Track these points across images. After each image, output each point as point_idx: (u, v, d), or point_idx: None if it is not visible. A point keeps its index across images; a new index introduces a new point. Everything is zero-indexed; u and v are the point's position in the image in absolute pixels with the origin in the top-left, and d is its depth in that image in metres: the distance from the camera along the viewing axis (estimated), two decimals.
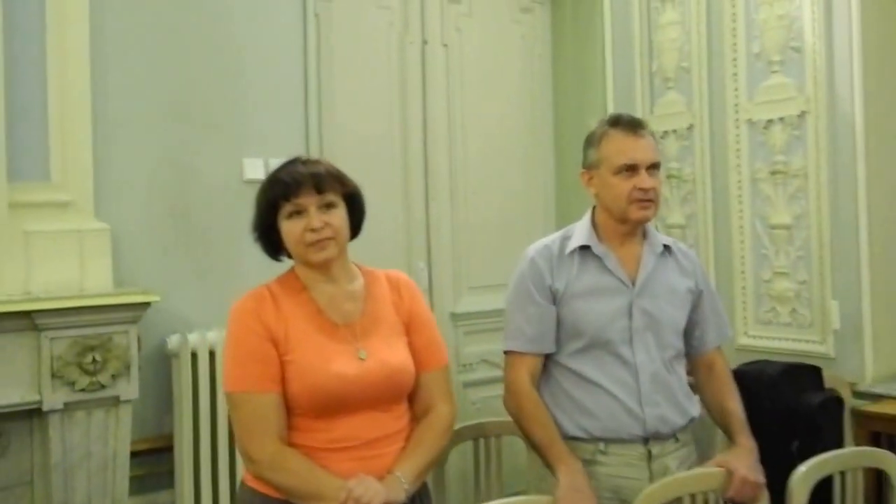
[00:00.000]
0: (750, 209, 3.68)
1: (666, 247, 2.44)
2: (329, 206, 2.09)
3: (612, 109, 4.10)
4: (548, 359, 2.39)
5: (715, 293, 2.58)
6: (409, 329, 2.21)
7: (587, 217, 2.44)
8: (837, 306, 3.34)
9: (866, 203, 3.28)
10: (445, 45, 4.20)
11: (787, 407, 2.82)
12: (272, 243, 2.15)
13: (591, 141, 2.40)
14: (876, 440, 2.96)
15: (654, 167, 2.33)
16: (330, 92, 3.86)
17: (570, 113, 4.43)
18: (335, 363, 2.04)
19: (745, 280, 3.70)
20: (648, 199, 2.31)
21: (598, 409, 2.29)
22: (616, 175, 2.31)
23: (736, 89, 3.71)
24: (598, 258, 2.36)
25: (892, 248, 3.35)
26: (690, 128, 3.92)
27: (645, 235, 2.43)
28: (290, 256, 2.17)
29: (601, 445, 2.29)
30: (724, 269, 3.76)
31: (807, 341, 3.47)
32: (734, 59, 3.71)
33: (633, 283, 2.35)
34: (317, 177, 2.08)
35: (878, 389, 3.18)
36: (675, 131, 3.99)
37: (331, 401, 2.02)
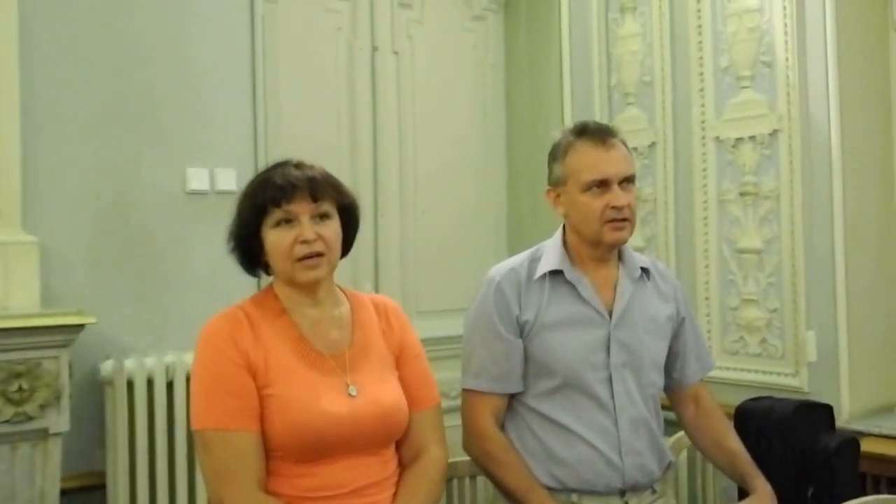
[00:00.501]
0: (716, 232, 3.48)
1: (643, 270, 2.22)
2: (323, 216, 1.86)
3: (568, 122, 3.87)
4: (513, 398, 2.15)
5: (695, 319, 2.38)
6: (400, 362, 1.98)
7: (558, 236, 2.20)
8: (814, 337, 3.14)
9: (842, 227, 3.09)
10: (396, 53, 3.98)
11: (802, 450, 2.60)
12: (250, 255, 1.90)
13: (556, 154, 2.15)
14: (862, 482, 2.76)
15: (627, 181, 2.10)
16: (276, 99, 3.63)
17: (524, 126, 4.20)
18: (324, 400, 1.81)
19: (709, 307, 3.50)
20: (623, 219, 2.07)
21: (573, 458, 2.07)
22: (585, 193, 2.08)
23: (702, 105, 3.51)
24: (570, 284, 2.12)
25: (869, 276, 3.17)
26: (652, 145, 3.72)
27: (620, 257, 2.20)
28: (266, 272, 1.94)
29: (574, 497, 2.07)
30: (687, 296, 3.51)
31: (778, 374, 3.26)
32: (700, 74, 3.51)
33: (610, 314, 2.12)
34: (313, 182, 1.84)
35: (857, 426, 2.99)
36: (635, 149, 3.74)
37: (318, 443, 1.77)
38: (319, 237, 1.83)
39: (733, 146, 3.42)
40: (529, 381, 2.13)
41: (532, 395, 2.13)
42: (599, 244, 2.11)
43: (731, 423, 2.27)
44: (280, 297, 1.91)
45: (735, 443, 2.22)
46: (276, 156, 3.41)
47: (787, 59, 3.22)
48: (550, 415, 2.10)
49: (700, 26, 3.52)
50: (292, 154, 1.95)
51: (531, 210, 4.11)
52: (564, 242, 2.18)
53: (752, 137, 3.34)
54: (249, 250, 1.89)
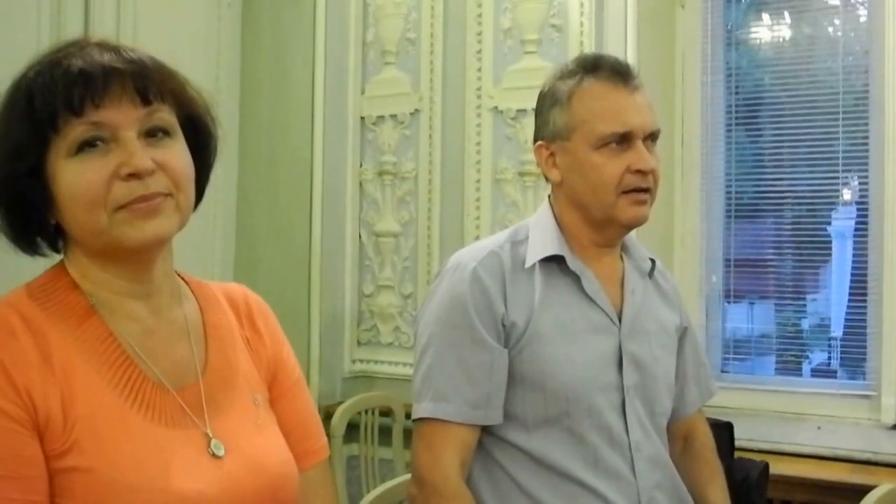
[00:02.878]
0: (490, 215, 3.06)
1: (652, 262, 1.71)
2: (160, 132, 1.12)
3: (321, 87, 3.27)
4: (484, 434, 1.55)
5: (695, 330, 1.87)
6: (274, 391, 1.26)
7: (546, 213, 1.64)
8: None
9: None
10: None
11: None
12: (22, 215, 1.12)
13: (556, 96, 1.60)
14: None
15: (653, 138, 1.58)
16: None
17: (264, 88, 3.43)
18: (174, 471, 1.07)
19: None
20: (646, 189, 1.56)
21: None
22: (599, 150, 1.55)
23: (479, 70, 3.08)
24: (572, 276, 1.58)
25: None
26: (415, 113, 3.23)
27: (623, 246, 1.68)
28: (54, 247, 1.17)
29: None
30: None
31: None
32: (478, 34, 3.08)
33: (619, 318, 1.59)
34: (139, 70, 1.10)
35: None
36: (393, 117, 3.28)
37: None
38: (159, 167, 1.09)
39: (513, 118, 3.03)
40: (514, 408, 1.55)
41: (517, 427, 1.54)
42: (610, 224, 1.59)
43: (720, 468, 1.81)
44: (82, 284, 1.14)
45: (717, 493, 1.75)
46: None
47: (581, 23, 2.89)
48: (544, 456, 1.52)
49: None
50: None
51: (263, 196, 3.39)
52: (557, 221, 1.63)
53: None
54: (21, 205, 1.11)
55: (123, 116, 1.08)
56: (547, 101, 1.63)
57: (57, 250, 1.17)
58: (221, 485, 1.10)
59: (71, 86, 1.06)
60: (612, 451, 1.55)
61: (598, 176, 1.55)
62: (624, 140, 1.55)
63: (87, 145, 1.07)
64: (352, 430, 2.97)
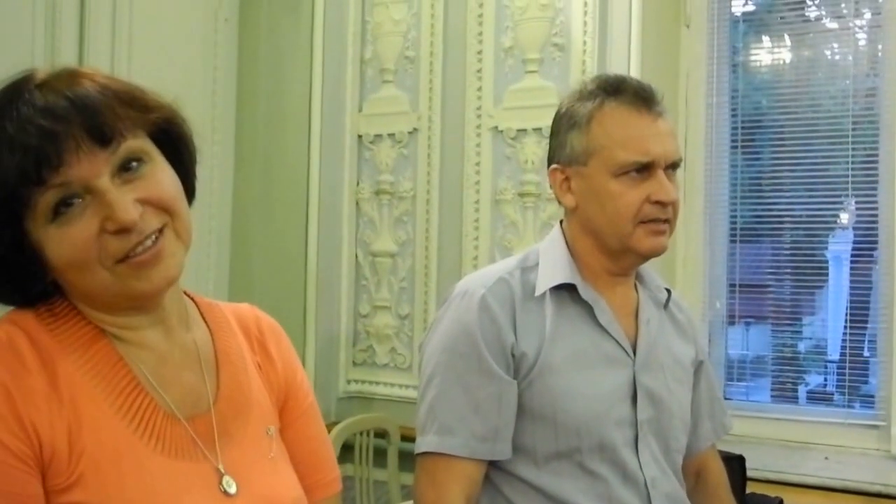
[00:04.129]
0: (489, 236, 3.01)
1: (668, 293, 1.66)
2: (133, 161, 1.04)
3: (318, 104, 3.21)
4: (492, 467, 1.49)
5: (710, 364, 1.81)
6: (285, 419, 1.21)
7: (558, 239, 1.58)
8: None
9: None
10: None
11: None
12: (14, 281, 1.06)
13: (574, 118, 1.54)
14: None
15: (674, 167, 1.53)
16: None
17: (260, 104, 3.35)
18: None
19: None
20: (665, 220, 1.51)
21: None
22: (619, 178, 1.50)
23: (479, 90, 3.03)
24: (584, 306, 1.53)
25: None
26: (413, 132, 3.17)
27: (638, 275, 1.63)
28: (48, 292, 1.09)
29: None
30: None
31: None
32: (479, 53, 3.03)
33: (634, 350, 1.54)
34: (87, 109, 1.01)
35: None
36: (391, 136, 3.21)
37: None
38: (147, 205, 1.03)
39: (513, 138, 2.99)
40: (523, 441, 1.49)
41: (525, 462, 1.48)
42: (626, 253, 1.54)
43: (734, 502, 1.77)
44: (88, 315, 1.08)
45: None
46: None
47: (584, 42, 2.85)
48: (556, 493, 1.46)
49: None
50: None
51: (258, 216, 3.32)
52: (569, 247, 1.58)
53: (538, 130, 2.92)
54: (9, 274, 1.05)
55: (88, 167, 1.01)
56: (564, 123, 1.57)
57: (47, 297, 1.10)
58: None
59: (21, 160, 0.98)
60: (627, 488, 1.49)
61: (616, 205, 1.50)
62: (645, 169, 1.50)
63: (62, 206, 1.01)
64: (346, 451, 2.92)
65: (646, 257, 1.57)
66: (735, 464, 2.17)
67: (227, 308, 1.26)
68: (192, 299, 1.21)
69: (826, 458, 2.75)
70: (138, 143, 1.05)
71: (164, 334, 1.12)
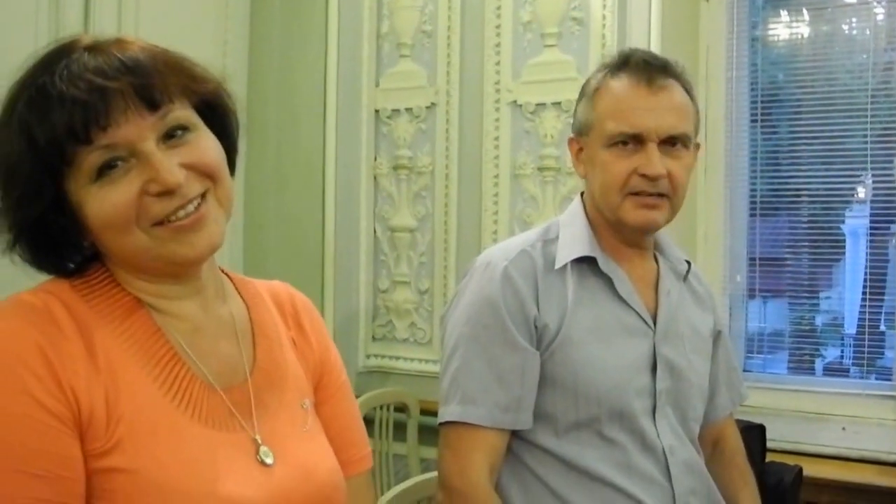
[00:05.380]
0: (508, 211, 3.01)
1: (688, 265, 1.68)
2: (180, 131, 1.04)
3: (333, 79, 3.21)
4: (514, 437, 1.51)
5: (728, 335, 1.84)
6: (319, 396, 1.21)
7: (578, 211, 1.60)
8: None
9: None
10: None
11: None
12: (53, 244, 1.05)
13: (585, 90, 1.58)
14: None
15: (675, 142, 1.52)
16: None
17: (272, 79, 3.35)
18: (223, 477, 1.01)
19: None
20: (656, 194, 1.51)
21: None
22: (609, 148, 1.51)
23: (498, 64, 3.02)
24: (604, 278, 1.54)
25: None
26: (431, 107, 3.17)
27: (658, 246, 1.64)
28: (77, 259, 1.09)
29: None
30: None
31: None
32: (497, 27, 3.02)
33: (654, 321, 1.55)
34: (138, 70, 1.01)
35: None
36: (409, 110, 3.21)
37: None
38: (191, 170, 1.03)
39: (532, 112, 2.98)
40: (545, 412, 1.51)
41: (547, 431, 1.50)
42: (619, 225, 1.55)
43: (751, 473, 1.77)
44: (125, 285, 1.08)
45: (749, 499, 1.72)
46: None
47: (603, 16, 2.84)
48: (577, 461, 1.49)
49: None
50: None
51: (278, 192, 3.33)
52: (589, 219, 1.59)
53: (557, 104, 2.92)
54: (48, 237, 1.05)
55: (135, 129, 1.00)
56: (580, 95, 1.61)
57: (81, 261, 1.10)
58: (271, 494, 1.05)
59: (70, 116, 0.98)
60: (645, 455, 1.52)
61: (604, 175, 1.53)
62: (635, 141, 1.51)
63: (106, 168, 1.00)
64: (366, 425, 2.93)
65: (639, 230, 1.57)
66: (755, 433, 2.19)
67: (261, 285, 1.26)
68: (226, 275, 1.21)
69: (843, 428, 2.77)
70: (185, 112, 1.05)
71: (200, 305, 1.12)
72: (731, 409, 1.80)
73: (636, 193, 1.51)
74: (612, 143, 1.51)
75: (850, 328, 3.08)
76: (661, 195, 1.52)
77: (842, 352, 3.14)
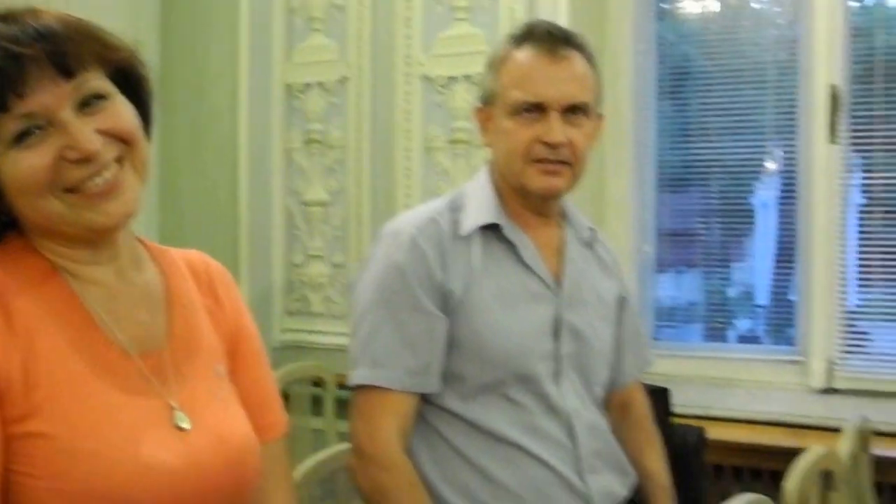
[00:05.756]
0: (421, 184, 3.03)
1: (592, 232, 1.72)
2: (96, 99, 1.06)
3: (245, 53, 3.19)
4: (423, 401, 1.55)
5: (633, 301, 1.87)
6: (234, 363, 1.23)
7: (484, 179, 1.64)
8: None
9: None
10: None
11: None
12: None
13: (491, 61, 1.63)
14: None
15: (577, 111, 1.57)
16: None
17: (184, 52, 3.33)
18: (139, 441, 1.04)
19: None
20: (558, 161, 1.55)
21: (520, 482, 1.52)
22: (513, 117, 1.55)
23: (408, 37, 3.03)
24: (509, 245, 1.59)
25: None
26: (343, 81, 3.16)
27: (563, 214, 1.68)
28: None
29: None
30: None
31: None
32: (408, 1, 3.02)
33: (558, 287, 1.61)
34: (50, 45, 1.02)
35: None
36: (320, 84, 3.20)
37: None
38: (106, 135, 1.05)
39: (442, 86, 2.99)
40: (453, 375, 1.55)
41: (454, 395, 1.54)
42: (523, 192, 1.59)
43: (657, 435, 1.84)
44: (41, 251, 1.10)
45: (654, 461, 1.78)
46: None
47: None
48: (483, 423, 1.54)
49: None
50: None
51: (193, 166, 3.31)
52: (496, 188, 1.63)
53: (468, 77, 2.93)
54: None
55: (52, 98, 1.02)
56: (486, 65, 1.64)
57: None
58: (187, 458, 1.07)
59: None
60: (550, 418, 1.56)
61: (508, 143, 1.57)
62: (537, 110, 1.55)
63: (24, 134, 1.02)
64: (283, 400, 2.92)
65: (541, 197, 1.60)
66: (659, 395, 2.23)
67: (177, 253, 1.27)
68: (143, 244, 1.22)
69: (750, 392, 2.86)
70: (100, 81, 1.07)
71: (116, 273, 1.13)
72: (637, 374, 1.85)
73: (539, 161, 1.55)
74: (516, 112, 1.55)
75: (762, 299, 3.16)
76: (562, 162, 1.56)
77: (753, 322, 3.22)
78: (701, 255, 3.23)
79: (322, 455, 1.87)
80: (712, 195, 3.19)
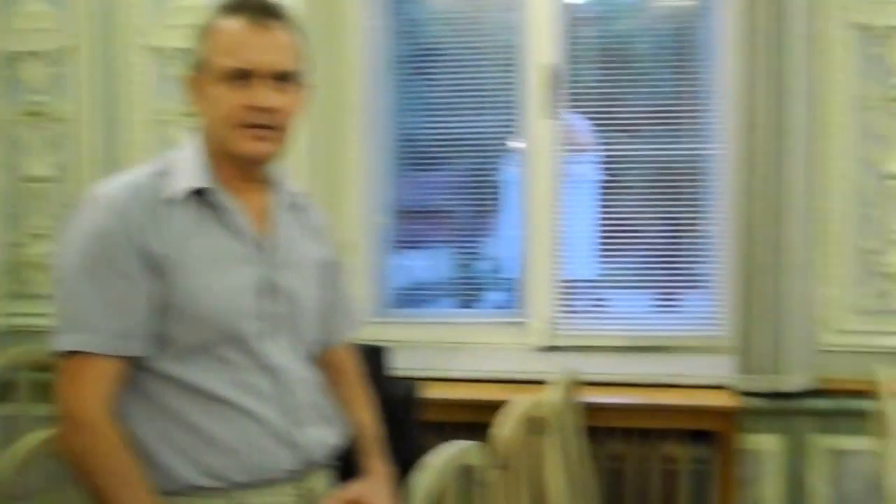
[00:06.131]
0: (152, 157, 2.90)
1: (297, 197, 1.77)
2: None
3: None
4: (136, 366, 1.57)
5: (342, 266, 1.95)
6: None
7: (194, 146, 1.66)
8: None
9: None
10: None
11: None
12: None
13: (202, 30, 1.65)
14: None
15: (285, 78, 1.61)
16: None
17: None
18: None
19: None
20: (265, 126, 1.59)
21: (233, 437, 1.60)
22: (221, 83, 1.58)
23: (134, 6, 2.97)
24: (217, 209, 1.62)
25: None
26: (66, 51, 3.04)
27: (273, 180, 1.73)
28: None
29: (236, 497, 1.61)
30: None
31: None
32: None
33: (266, 250, 1.66)
34: None
35: None
36: (42, 53, 3.06)
37: None
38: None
39: (172, 57, 2.94)
40: (164, 337, 1.57)
41: (166, 357, 1.57)
42: (233, 157, 1.62)
43: (368, 391, 1.93)
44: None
45: (364, 414, 1.88)
46: None
47: None
48: (195, 382, 1.57)
49: None
50: None
51: None
52: (206, 153, 1.65)
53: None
54: None
55: None
56: (196, 34, 1.67)
57: None
58: None
59: None
60: (261, 374, 1.63)
61: (216, 109, 1.60)
62: (245, 77, 1.59)
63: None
64: (9, 389, 2.80)
65: (250, 161, 1.65)
66: (373, 354, 2.34)
67: None
68: None
69: (474, 353, 3.02)
70: None
71: None
72: (346, 335, 1.94)
73: (247, 126, 1.59)
74: (225, 79, 1.59)
75: (511, 272, 3.28)
76: (269, 128, 1.61)
77: (503, 294, 3.34)
78: (452, 232, 3.34)
79: (43, 434, 1.84)
80: (461, 172, 3.29)
